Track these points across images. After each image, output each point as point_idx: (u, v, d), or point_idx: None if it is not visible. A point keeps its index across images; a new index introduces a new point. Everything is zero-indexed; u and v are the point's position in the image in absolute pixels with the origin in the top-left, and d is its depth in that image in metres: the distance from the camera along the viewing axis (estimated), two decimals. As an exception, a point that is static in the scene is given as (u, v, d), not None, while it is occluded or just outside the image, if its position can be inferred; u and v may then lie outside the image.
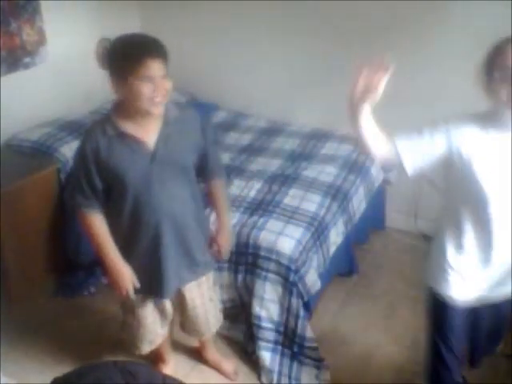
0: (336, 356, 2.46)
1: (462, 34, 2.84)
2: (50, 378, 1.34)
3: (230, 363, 2.43)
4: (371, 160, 3.03)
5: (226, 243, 2.08)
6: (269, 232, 2.35)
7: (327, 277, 2.63)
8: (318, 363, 2.32)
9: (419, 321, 2.67)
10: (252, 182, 2.73)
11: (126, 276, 1.89)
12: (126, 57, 1.66)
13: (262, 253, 2.31)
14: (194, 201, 1.93)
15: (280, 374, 2.30)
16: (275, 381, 2.29)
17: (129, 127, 1.74)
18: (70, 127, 3.04)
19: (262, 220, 2.42)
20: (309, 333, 2.31)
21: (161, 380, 1.36)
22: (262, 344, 2.32)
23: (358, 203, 2.83)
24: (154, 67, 1.64)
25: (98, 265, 2.80)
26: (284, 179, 2.75)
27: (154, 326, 2.10)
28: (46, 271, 2.89)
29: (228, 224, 2.14)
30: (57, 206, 2.84)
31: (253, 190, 2.66)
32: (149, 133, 1.76)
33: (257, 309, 2.31)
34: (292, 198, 2.59)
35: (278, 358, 2.32)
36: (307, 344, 2.31)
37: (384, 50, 3.10)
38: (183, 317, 2.16)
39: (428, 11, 2.86)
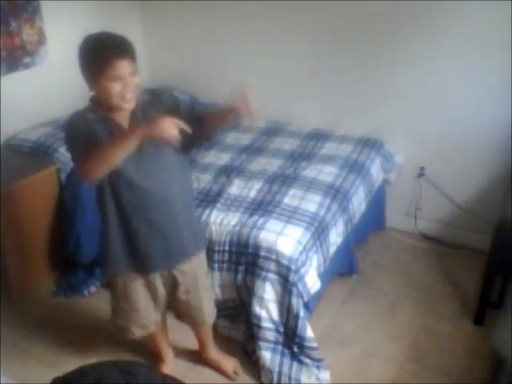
0: (336, 356, 2.45)
1: (462, 34, 2.83)
2: (49, 378, 1.34)
3: (231, 363, 2.43)
4: (371, 160, 3.04)
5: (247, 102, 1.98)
6: (269, 232, 2.35)
7: (327, 277, 2.63)
8: (318, 363, 2.32)
9: (419, 321, 2.69)
10: (252, 181, 2.73)
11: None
12: (94, 58, 1.73)
13: (262, 253, 2.31)
14: (179, 180, 1.95)
15: (280, 373, 2.30)
16: (275, 381, 2.29)
17: (108, 115, 1.81)
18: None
19: (261, 220, 2.42)
20: (309, 333, 2.31)
21: (160, 380, 1.36)
22: (262, 344, 2.32)
23: (358, 203, 2.83)
24: (122, 67, 1.70)
25: (97, 265, 2.81)
26: (284, 179, 2.75)
27: (146, 310, 2.10)
28: (45, 271, 2.90)
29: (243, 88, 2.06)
30: (57, 205, 2.84)
31: (253, 189, 2.66)
32: (122, 116, 1.82)
33: (257, 309, 2.31)
34: (292, 197, 2.59)
35: (278, 357, 2.32)
36: (307, 344, 2.31)
37: (384, 49, 3.14)
38: (177, 302, 2.14)
39: (428, 11, 2.86)
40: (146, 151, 1.80)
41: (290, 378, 2.29)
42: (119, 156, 1.71)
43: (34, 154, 2.88)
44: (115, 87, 1.71)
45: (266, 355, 2.31)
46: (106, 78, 1.70)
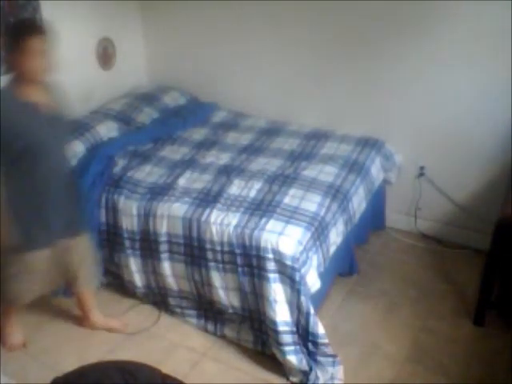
0: (336, 356, 2.46)
1: (461, 33, 2.84)
2: (50, 378, 1.34)
3: (117, 320, 2.62)
4: (371, 160, 3.04)
5: None
6: (270, 233, 2.35)
7: (327, 276, 2.63)
8: (333, 359, 2.34)
9: (419, 321, 2.69)
10: (252, 181, 2.73)
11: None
12: (12, 37, 2.04)
13: (265, 254, 2.31)
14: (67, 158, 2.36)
15: (309, 372, 2.30)
16: (310, 380, 2.29)
17: (27, 95, 2.08)
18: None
19: (262, 221, 2.42)
20: (321, 329, 2.32)
21: (161, 380, 1.37)
22: (285, 349, 2.30)
23: (358, 203, 2.83)
24: (34, 43, 2.00)
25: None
26: (284, 179, 2.74)
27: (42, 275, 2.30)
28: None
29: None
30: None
31: (253, 189, 2.66)
32: (41, 98, 2.13)
33: (271, 313, 2.30)
34: (292, 197, 2.58)
35: (301, 356, 2.32)
36: (321, 341, 2.32)
37: (384, 50, 3.15)
38: (62, 267, 2.37)
39: (428, 11, 2.86)
40: (51, 131, 2.17)
41: (316, 375, 2.30)
42: None
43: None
44: (31, 61, 2.00)
45: (292, 358, 2.30)
46: (21, 53, 1.99)
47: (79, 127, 3.06)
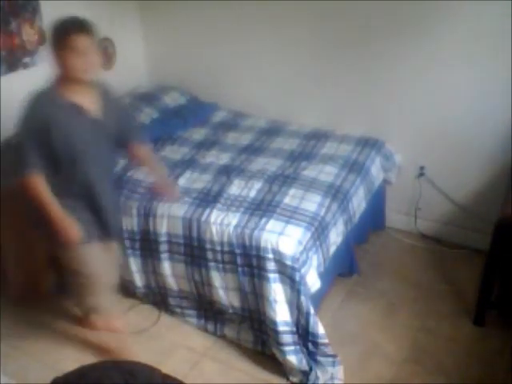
0: (336, 356, 2.46)
1: (462, 33, 2.83)
2: (50, 378, 1.34)
3: (117, 320, 2.51)
4: (371, 160, 3.04)
5: (173, 187, 2.54)
6: (270, 233, 2.35)
7: (327, 277, 2.63)
8: (333, 359, 2.34)
9: (419, 321, 2.69)
10: (252, 181, 2.73)
11: (73, 224, 2.11)
12: (56, 34, 2.00)
13: (265, 254, 2.31)
14: (113, 165, 2.38)
15: (309, 371, 2.31)
16: (310, 381, 2.29)
17: (70, 97, 2.05)
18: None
19: (262, 221, 2.42)
20: (321, 329, 2.32)
21: (161, 380, 1.36)
22: (285, 349, 2.31)
23: (358, 203, 2.83)
24: (77, 41, 1.96)
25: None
26: (284, 179, 2.74)
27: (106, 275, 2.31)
28: (46, 271, 2.89)
29: (164, 173, 2.60)
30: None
31: (253, 189, 2.66)
32: (86, 100, 2.09)
33: (271, 313, 2.30)
34: (292, 197, 2.58)
35: (301, 356, 2.32)
36: (321, 341, 2.32)
37: (384, 49, 3.15)
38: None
39: (428, 11, 2.86)
40: (96, 136, 2.12)
41: (316, 375, 2.31)
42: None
43: (34, 153, 2.88)
44: (74, 59, 1.96)
45: (292, 358, 2.31)
46: (65, 51, 1.96)
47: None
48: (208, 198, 2.61)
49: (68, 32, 1.97)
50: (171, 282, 2.64)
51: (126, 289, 2.82)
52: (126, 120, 2.36)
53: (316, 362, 2.34)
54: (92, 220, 2.20)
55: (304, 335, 2.34)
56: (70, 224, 2.10)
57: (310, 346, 2.34)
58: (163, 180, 2.50)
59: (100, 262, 2.26)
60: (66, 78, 2.02)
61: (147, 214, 2.60)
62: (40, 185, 2.06)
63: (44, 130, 2.00)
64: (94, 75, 2.06)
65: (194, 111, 3.54)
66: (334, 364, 2.34)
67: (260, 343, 2.49)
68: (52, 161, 2.07)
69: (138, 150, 2.37)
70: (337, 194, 2.68)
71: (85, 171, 2.12)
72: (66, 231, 2.09)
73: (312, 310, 2.30)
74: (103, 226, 2.24)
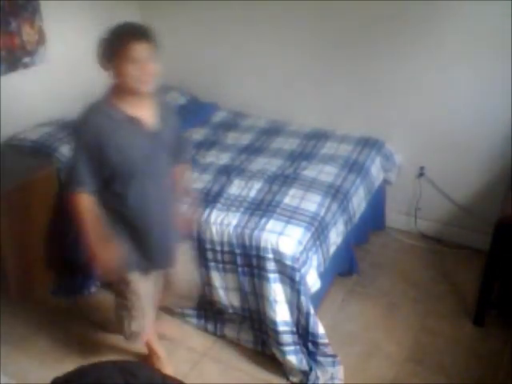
0: (336, 356, 2.46)
1: (462, 33, 2.83)
2: (50, 378, 1.34)
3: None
4: (371, 160, 3.04)
5: (194, 218, 2.36)
6: (270, 233, 2.35)
7: (327, 277, 2.63)
8: (333, 359, 2.34)
9: (419, 321, 2.69)
10: (252, 181, 2.72)
11: (112, 252, 1.95)
12: (113, 41, 1.82)
13: (265, 254, 2.31)
14: (171, 182, 2.11)
15: (309, 371, 2.31)
16: (310, 381, 2.29)
17: (127, 109, 1.87)
18: (70, 127, 3.03)
19: (262, 221, 2.42)
20: (321, 329, 2.32)
21: (161, 380, 1.37)
22: (285, 349, 2.31)
23: (358, 203, 2.83)
24: (139, 49, 1.78)
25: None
26: (284, 179, 2.74)
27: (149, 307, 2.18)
28: (45, 271, 2.89)
29: (193, 202, 2.35)
30: (56, 205, 2.84)
31: (253, 189, 2.66)
32: (145, 113, 1.91)
33: (271, 313, 2.30)
34: (292, 197, 2.58)
35: (301, 356, 2.32)
36: (321, 341, 2.32)
37: (384, 49, 3.14)
38: (168, 289, 2.26)
39: (428, 11, 2.85)
40: (155, 150, 1.93)
41: (316, 375, 2.31)
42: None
43: (34, 153, 2.88)
44: (133, 69, 1.78)
45: (292, 359, 2.31)
46: (124, 60, 1.78)
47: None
48: (208, 198, 2.61)
49: (128, 40, 1.77)
50: (171, 282, 2.64)
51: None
52: (179, 136, 2.14)
53: (316, 362, 2.34)
54: (137, 250, 2.02)
55: (304, 335, 2.34)
56: (108, 252, 1.93)
57: (310, 346, 2.34)
58: (189, 221, 2.28)
59: (142, 291, 2.10)
60: (121, 88, 1.85)
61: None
62: (85, 205, 1.91)
63: (97, 145, 1.83)
64: (153, 86, 1.87)
65: (194, 111, 3.54)
66: (334, 364, 2.34)
67: (260, 343, 2.48)
68: (104, 179, 1.91)
69: (181, 170, 2.19)
70: (337, 193, 2.68)
71: (141, 190, 1.94)
72: (101, 259, 1.93)
73: (312, 310, 2.30)
74: (149, 258, 2.06)
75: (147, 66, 1.80)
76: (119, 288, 2.13)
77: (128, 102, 1.87)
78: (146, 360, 2.41)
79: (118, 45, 1.79)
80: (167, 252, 2.10)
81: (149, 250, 2.04)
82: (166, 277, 2.20)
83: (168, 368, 2.31)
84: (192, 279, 2.33)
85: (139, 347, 2.44)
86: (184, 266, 2.23)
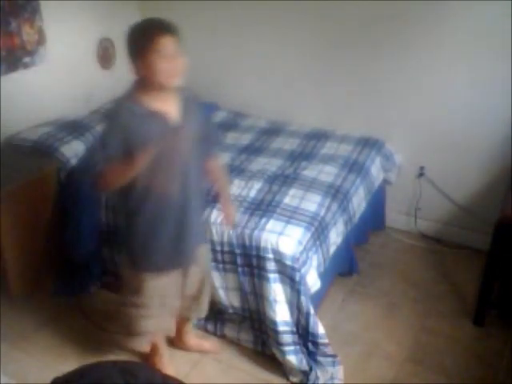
0: (336, 356, 2.46)
1: (462, 33, 2.84)
2: (50, 378, 1.34)
3: (210, 341, 2.49)
4: (371, 160, 3.04)
5: (233, 212, 2.32)
6: (270, 233, 2.35)
7: (327, 277, 2.63)
8: (333, 359, 2.34)
9: (419, 321, 2.69)
10: (252, 181, 2.72)
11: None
12: (140, 36, 1.82)
13: (265, 254, 2.31)
14: (202, 178, 2.08)
15: (309, 371, 2.31)
16: (310, 381, 2.29)
17: (152, 104, 1.85)
18: (70, 127, 3.04)
19: (262, 221, 2.42)
20: (321, 329, 2.32)
21: (161, 380, 1.37)
22: (284, 349, 2.31)
23: (358, 203, 2.83)
24: (166, 43, 1.79)
25: (95, 264, 2.82)
26: (284, 179, 2.74)
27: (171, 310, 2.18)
28: (45, 270, 2.89)
29: (230, 196, 2.36)
30: (56, 205, 2.84)
31: (253, 189, 2.66)
32: (169, 108, 1.89)
33: (271, 313, 2.30)
34: (292, 197, 2.58)
35: (301, 356, 2.32)
36: (321, 341, 2.32)
37: (384, 49, 3.14)
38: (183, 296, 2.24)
39: (428, 11, 2.86)
40: (180, 145, 1.89)
41: (316, 375, 2.31)
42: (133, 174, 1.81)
43: (35, 153, 2.87)
44: (163, 63, 1.78)
45: (292, 359, 2.31)
46: (152, 54, 1.77)
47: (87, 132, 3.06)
48: (208, 198, 2.61)
49: (157, 34, 1.78)
50: (171, 282, 2.63)
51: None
52: (207, 130, 2.10)
53: (316, 362, 2.34)
54: (168, 247, 2.01)
55: (304, 335, 2.34)
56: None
57: (310, 346, 2.34)
58: (227, 202, 2.28)
59: (158, 290, 2.09)
60: (148, 83, 1.84)
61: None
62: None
63: (125, 143, 1.80)
64: (180, 80, 1.87)
65: (194, 111, 3.53)
66: (334, 364, 2.34)
67: (260, 343, 2.48)
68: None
69: (212, 164, 2.18)
70: (337, 193, 2.68)
71: (167, 185, 1.91)
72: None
73: (312, 310, 2.30)
74: (180, 253, 2.05)
75: (176, 61, 1.81)
76: (133, 285, 2.11)
77: (153, 96, 1.85)
78: (147, 359, 2.41)
79: (146, 40, 1.78)
80: (189, 250, 2.07)
81: (171, 247, 2.01)
82: (184, 278, 2.17)
83: (169, 368, 2.31)
84: (208, 282, 2.33)
85: (141, 346, 2.44)
86: (202, 268, 2.24)
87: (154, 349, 2.38)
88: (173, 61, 1.80)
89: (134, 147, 1.78)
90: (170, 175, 1.90)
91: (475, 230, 3.14)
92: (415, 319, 2.71)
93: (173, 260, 2.06)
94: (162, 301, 2.12)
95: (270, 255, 2.30)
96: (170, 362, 2.39)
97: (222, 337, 2.59)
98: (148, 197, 1.91)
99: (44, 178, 2.77)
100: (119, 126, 1.82)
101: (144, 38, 1.80)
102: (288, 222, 2.41)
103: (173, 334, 2.48)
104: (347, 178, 2.82)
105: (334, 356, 2.35)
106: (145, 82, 1.84)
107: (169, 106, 1.89)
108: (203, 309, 2.35)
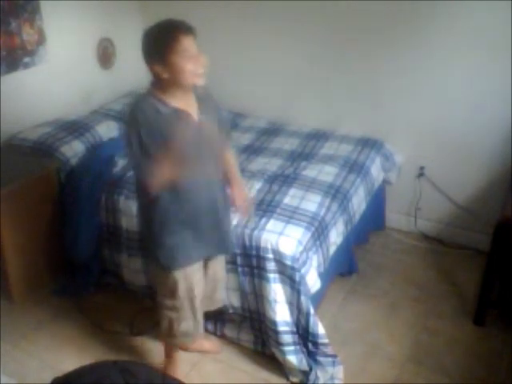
0: (336, 356, 2.46)
1: (461, 33, 2.84)
2: (50, 378, 1.34)
3: (211, 341, 2.48)
4: (371, 160, 3.04)
5: (246, 202, 2.28)
6: (270, 233, 2.34)
7: (327, 277, 2.63)
8: (333, 359, 2.34)
9: (420, 321, 2.69)
10: (252, 181, 2.72)
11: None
12: (164, 38, 1.82)
13: (266, 254, 2.31)
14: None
15: (309, 372, 2.31)
16: (310, 381, 2.29)
17: (172, 102, 1.86)
18: (70, 127, 3.04)
19: (262, 221, 2.42)
20: (320, 329, 2.32)
21: (161, 380, 1.36)
22: (285, 349, 2.31)
23: (358, 203, 2.83)
24: (189, 42, 1.82)
25: (95, 264, 2.82)
26: (284, 179, 2.74)
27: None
28: (46, 271, 2.90)
29: (243, 186, 2.33)
30: (57, 205, 2.84)
31: (253, 189, 2.66)
32: (189, 106, 1.92)
33: (271, 314, 2.30)
34: (292, 197, 2.58)
35: (301, 356, 2.32)
36: (321, 341, 2.32)
37: (384, 49, 3.14)
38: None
39: (428, 11, 2.86)
40: (203, 141, 1.91)
41: (316, 374, 2.31)
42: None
43: (35, 153, 2.88)
44: (187, 63, 1.80)
45: (292, 359, 2.31)
46: (176, 55, 1.79)
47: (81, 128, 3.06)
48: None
49: (180, 34, 1.81)
50: (171, 282, 2.63)
51: (126, 289, 2.82)
52: (222, 125, 2.11)
53: (316, 362, 2.33)
54: (190, 239, 2.02)
55: (304, 335, 2.34)
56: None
57: (310, 346, 2.34)
58: (242, 193, 2.25)
59: (198, 283, 2.11)
60: (170, 83, 1.84)
61: (147, 214, 2.59)
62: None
63: (148, 140, 1.80)
64: (204, 80, 1.90)
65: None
66: (334, 364, 2.34)
67: (260, 343, 2.48)
68: None
69: (226, 157, 2.18)
70: (337, 194, 2.68)
71: (193, 181, 1.93)
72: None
73: (312, 310, 2.30)
74: (202, 244, 2.06)
75: (200, 60, 1.84)
76: (167, 288, 2.10)
77: (174, 95, 1.86)
78: (166, 364, 2.34)
79: (171, 41, 1.79)
80: (220, 238, 2.11)
81: (201, 237, 2.03)
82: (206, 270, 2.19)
83: (177, 371, 2.29)
84: (223, 279, 2.35)
85: (191, 352, 2.38)
86: (219, 265, 2.28)
87: (172, 357, 2.34)
88: (197, 61, 1.83)
89: (160, 145, 1.78)
90: (198, 171, 1.92)
91: (475, 230, 3.14)
92: (415, 319, 2.71)
93: (206, 247, 2.08)
94: (192, 304, 2.12)
95: (270, 255, 2.30)
96: (179, 366, 2.35)
97: (222, 337, 2.59)
98: (177, 198, 1.93)
99: (44, 178, 2.77)
100: (140, 125, 1.80)
101: (168, 40, 1.80)
102: (288, 222, 2.41)
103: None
104: (347, 178, 2.82)
105: (334, 356, 2.35)
106: (164, 83, 1.85)
107: (189, 105, 1.92)
108: (219, 300, 2.38)
